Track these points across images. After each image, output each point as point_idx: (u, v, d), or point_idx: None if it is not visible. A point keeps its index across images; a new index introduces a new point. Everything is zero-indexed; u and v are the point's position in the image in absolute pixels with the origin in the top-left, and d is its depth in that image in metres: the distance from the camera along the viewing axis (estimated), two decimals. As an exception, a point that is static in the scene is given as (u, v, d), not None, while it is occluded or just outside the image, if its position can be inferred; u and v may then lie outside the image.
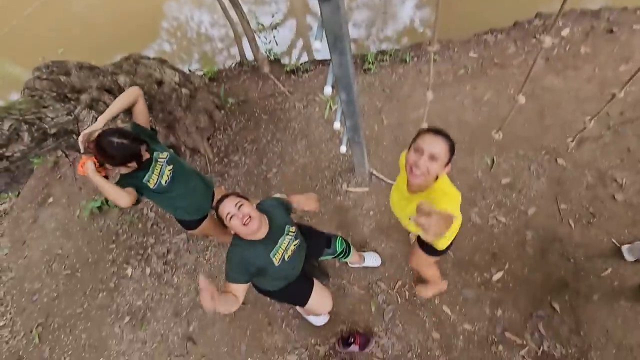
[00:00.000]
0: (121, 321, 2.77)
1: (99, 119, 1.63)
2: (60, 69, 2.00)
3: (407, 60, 3.56)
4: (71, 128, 1.97)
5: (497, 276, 2.40)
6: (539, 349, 2.14)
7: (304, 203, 1.85)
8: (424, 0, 4.53)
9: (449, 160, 1.35)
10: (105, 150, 1.60)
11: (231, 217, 1.44)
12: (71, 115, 1.96)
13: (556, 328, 2.18)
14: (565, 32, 3.32)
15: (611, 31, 3.27)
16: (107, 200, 3.31)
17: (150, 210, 3.23)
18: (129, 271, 2.97)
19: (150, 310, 2.77)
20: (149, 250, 3.04)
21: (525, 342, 2.18)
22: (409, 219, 1.34)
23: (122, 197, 1.67)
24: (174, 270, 2.91)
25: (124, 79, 2.49)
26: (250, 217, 1.46)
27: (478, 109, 3.13)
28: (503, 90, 3.17)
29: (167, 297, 2.81)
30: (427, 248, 1.74)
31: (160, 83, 2.85)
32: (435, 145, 1.30)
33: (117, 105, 1.70)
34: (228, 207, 1.45)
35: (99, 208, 3.30)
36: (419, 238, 1.81)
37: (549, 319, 2.21)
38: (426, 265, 1.98)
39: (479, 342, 2.23)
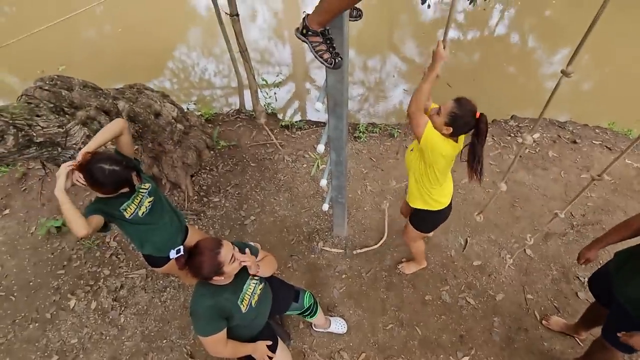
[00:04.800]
0: (47, 360, 2.43)
1: (81, 150, 1.57)
2: (63, 83, 2.02)
3: (395, 135, 3.81)
4: (58, 140, 1.93)
5: (462, 361, 2.32)
6: None
7: (262, 264, 1.74)
8: (413, 87, 5.01)
9: None
10: (95, 177, 1.53)
11: (234, 261, 1.45)
12: (62, 128, 1.93)
13: None
14: (536, 136, 3.71)
15: (575, 142, 3.67)
16: (69, 222, 3.11)
17: (113, 239, 3.05)
18: (72, 302, 2.69)
19: (84, 352, 2.47)
20: (101, 282, 2.80)
21: None
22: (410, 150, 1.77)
23: (79, 225, 1.53)
24: (123, 308, 2.66)
25: (123, 104, 2.53)
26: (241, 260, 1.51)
27: (455, 191, 3.30)
28: (479, 177, 3.40)
29: (107, 338, 2.52)
30: (414, 221, 2.17)
31: (157, 115, 2.90)
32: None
33: (100, 137, 1.64)
34: (230, 251, 1.46)
35: (58, 228, 3.09)
36: (410, 216, 2.20)
37: (512, 416, 2.12)
38: (413, 239, 2.36)
39: None
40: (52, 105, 1.92)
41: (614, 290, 1.66)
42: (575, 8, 6.35)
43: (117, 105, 2.39)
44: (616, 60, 5.19)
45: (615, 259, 1.74)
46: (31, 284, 2.82)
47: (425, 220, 2.15)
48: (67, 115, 1.98)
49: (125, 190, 1.64)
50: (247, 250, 1.65)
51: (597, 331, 2.34)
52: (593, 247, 1.82)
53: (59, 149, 1.95)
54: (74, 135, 1.98)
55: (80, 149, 2.03)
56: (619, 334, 1.54)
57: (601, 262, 2.76)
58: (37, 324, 2.61)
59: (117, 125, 1.70)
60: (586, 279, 2.66)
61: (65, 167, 1.52)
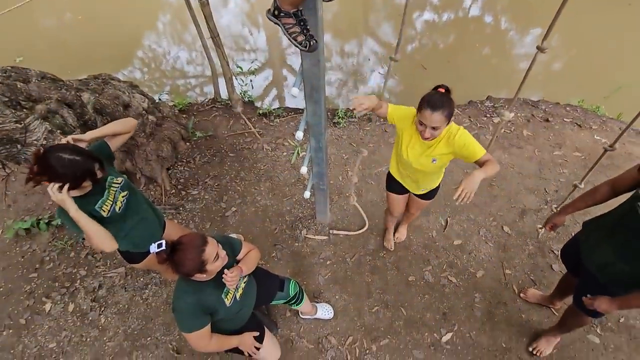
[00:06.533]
0: (24, 367, 2.34)
1: (87, 132, 1.52)
2: (19, 75, 1.87)
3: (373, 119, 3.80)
4: (17, 137, 1.80)
5: (446, 337, 2.39)
6: (485, 418, 2.10)
7: (245, 263, 1.70)
8: (390, 72, 5.00)
9: (449, 119, 1.74)
10: (54, 168, 1.39)
11: (217, 259, 1.43)
12: (20, 124, 1.80)
13: (501, 396, 2.17)
14: (511, 115, 3.78)
15: (547, 120, 3.77)
16: (38, 223, 2.96)
17: (88, 238, 2.92)
18: (48, 306, 2.58)
19: (63, 355, 2.38)
20: (78, 283, 2.70)
21: (471, 411, 2.13)
22: (432, 161, 1.86)
23: (107, 240, 1.53)
24: (102, 308, 2.58)
25: (88, 96, 2.39)
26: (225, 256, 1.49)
27: (435, 172, 3.34)
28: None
29: (88, 340, 2.45)
30: (426, 196, 2.26)
31: (127, 106, 2.76)
32: (433, 121, 1.68)
33: (111, 128, 1.64)
34: (215, 249, 1.42)
35: (27, 230, 2.94)
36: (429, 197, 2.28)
37: (494, 386, 2.21)
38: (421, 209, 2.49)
39: (426, 408, 2.14)
40: (6, 99, 1.78)
41: (582, 258, 1.73)
42: (545, -12, 6.44)
43: (81, 97, 2.25)
44: (583, 42, 5.32)
45: (584, 229, 1.81)
46: (1, 289, 2.68)
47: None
48: (24, 110, 1.85)
49: (88, 184, 1.52)
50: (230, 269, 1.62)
51: (570, 300, 2.46)
52: (561, 213, 1.90)
53: (19, 146, 1.82)
54: (34, 131, 1.85)
55: (42, 145, 1.91)
56: (583, 298, 1.62)
57: (572, 233, 2.88)
58: (11, 331, 2.49)
59: (130, 123, 1.72)
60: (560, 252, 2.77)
61: (53, 190, 1.42)
